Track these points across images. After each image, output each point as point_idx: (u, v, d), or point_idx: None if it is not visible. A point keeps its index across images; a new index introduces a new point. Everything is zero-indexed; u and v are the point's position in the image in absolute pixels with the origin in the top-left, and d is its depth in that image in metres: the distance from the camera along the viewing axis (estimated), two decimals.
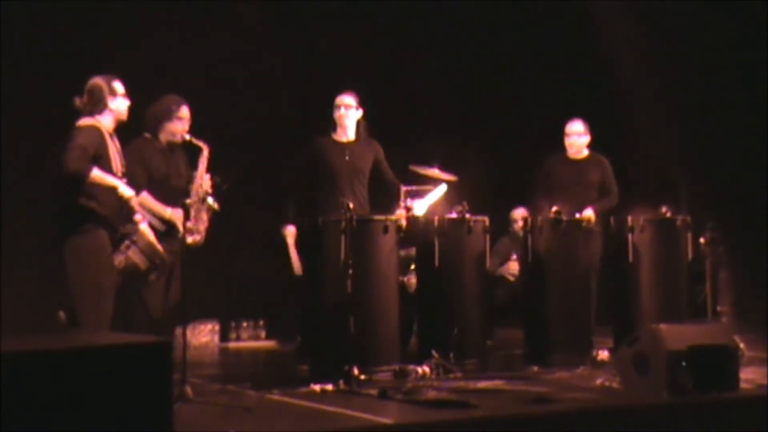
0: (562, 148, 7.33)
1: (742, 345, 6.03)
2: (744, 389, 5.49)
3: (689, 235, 6.99)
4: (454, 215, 6.55)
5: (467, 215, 6.54)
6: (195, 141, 5.90)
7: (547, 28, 9.24)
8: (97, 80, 5.48)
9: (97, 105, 5.44)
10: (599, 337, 6.96)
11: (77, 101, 5.48)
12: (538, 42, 9.24)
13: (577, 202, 7.02)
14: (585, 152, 7.32)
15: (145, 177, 5.78)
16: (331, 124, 6.59)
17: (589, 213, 6.98)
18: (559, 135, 7.34)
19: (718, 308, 7.08)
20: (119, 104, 5.49)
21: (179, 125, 5.86)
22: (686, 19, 8.65)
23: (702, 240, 7.11)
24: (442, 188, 6.73)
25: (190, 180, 5.89)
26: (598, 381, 5.82)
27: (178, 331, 5.75)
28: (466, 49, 9.19)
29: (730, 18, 8.62)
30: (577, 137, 7.24)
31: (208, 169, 5.90)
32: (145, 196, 5.75)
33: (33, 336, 4.30)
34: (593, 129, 7.35)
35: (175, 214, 5.75)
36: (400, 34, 9.01)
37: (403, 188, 6.57)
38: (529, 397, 5.37)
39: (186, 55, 8.02)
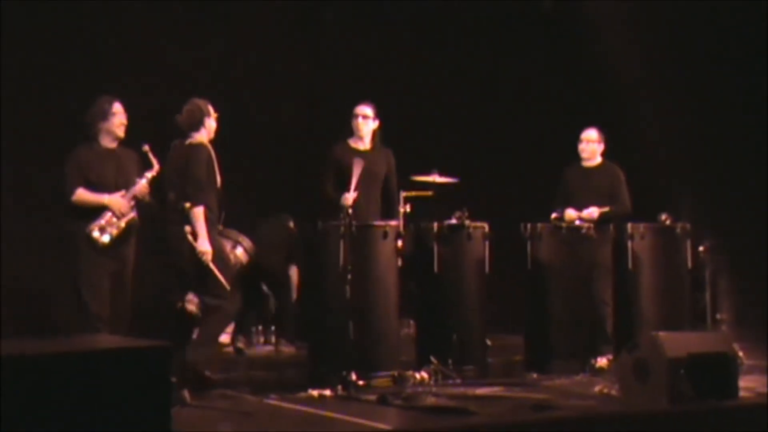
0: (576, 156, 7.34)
1: (741, 353, 6.02)
2: (743, 397, 5.48)
3: (689, 243, 6.99)
4: (453, 221, 6.55)
5: (467, 221, 6.54)
6: (150, 156, 6.07)
7: (554, 34, 9.23)
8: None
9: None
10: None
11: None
12: (544, 49, 9.24)
13: (585, 209, 7.06)
14: (598, 160, 7.32)
15: (79, 179, 5.97)
16: (348, 131, 6.59)
17: (590, 211, 7.00)
18: (571, 143, 7.37)
19: (718, 316, 7.08)
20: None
21: (115, 120, 6.03)
22: (693, 22, 8.61)
23: (701, 248, 7.12)
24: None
25: (132, 182, 6.01)
26: (597, 388, 5.82)
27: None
28: (471, 54, 9.20)
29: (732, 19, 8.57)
30: (588, 144, 7.26)
31: (152, 185, 6.05)
32: (81, 192, 5.94)
33: (33, 340, 4.29)
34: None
35: (113, 200, 5.92)
36: (409, 40, 9.01)
37: (402, 194, 6.57)
38: (528, 404, 5.36)
39: (197, 59, 8.05)
